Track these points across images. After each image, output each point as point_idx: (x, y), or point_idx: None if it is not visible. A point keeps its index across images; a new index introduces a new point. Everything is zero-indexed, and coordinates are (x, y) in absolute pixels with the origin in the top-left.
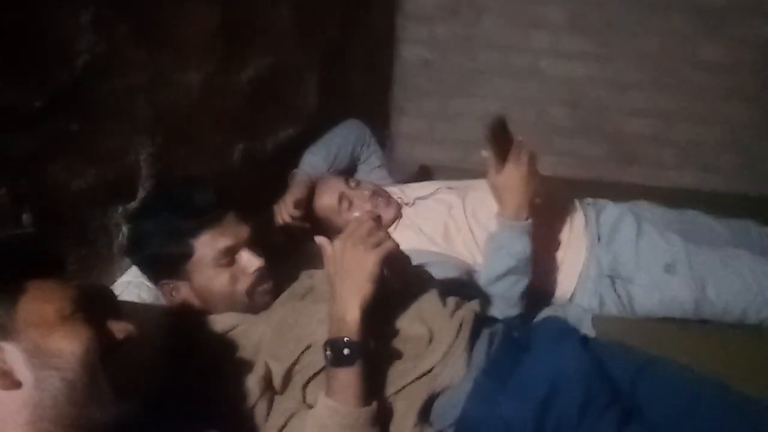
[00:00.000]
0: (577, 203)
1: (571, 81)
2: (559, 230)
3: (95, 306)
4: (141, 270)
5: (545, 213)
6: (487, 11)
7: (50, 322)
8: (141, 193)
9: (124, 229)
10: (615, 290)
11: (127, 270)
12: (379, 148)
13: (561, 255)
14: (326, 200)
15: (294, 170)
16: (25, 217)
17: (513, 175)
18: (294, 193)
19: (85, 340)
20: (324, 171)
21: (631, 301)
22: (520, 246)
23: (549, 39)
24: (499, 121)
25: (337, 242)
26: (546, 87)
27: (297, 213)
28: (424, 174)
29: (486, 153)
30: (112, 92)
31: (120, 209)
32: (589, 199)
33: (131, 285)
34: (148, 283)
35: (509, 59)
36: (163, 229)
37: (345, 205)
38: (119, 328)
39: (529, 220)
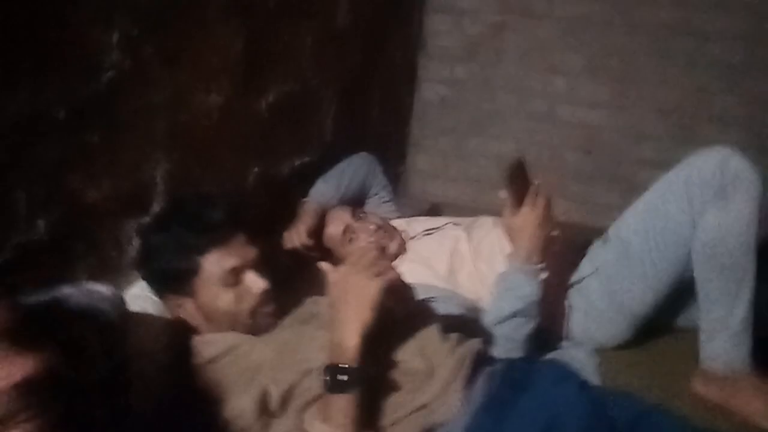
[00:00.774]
0: (589, 248)
1: (587, 127)
2: (567, 275)
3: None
4: (148, 283)
5: (556, 258)
6: (506, 54)
7: None
8: (154, 208)
9: (135, 242)
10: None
11: (135, 283)
12: (389, 182)
13: (568, 299)
14: (332, 230)
15: (304, 199)
16: (40, 224)
17: (528, 218)
18: (306, 221)
19: None
20: (334, 200)
21: (615, 304)
22: (529, 289)
23: (566, 85)
24: (518, 163)
25: (341, 269)
26: (561, 132)
27: (309, 241)
28: (433, 210)
29: (503, 194)
30: (133, 108)
31: (132, 222)
32: (599, 241)
33: (138, 298)
34: (154, 297)
35: (526, 102)
36: (171, 244)
37: (350, 236)
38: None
39: (541, 264)
